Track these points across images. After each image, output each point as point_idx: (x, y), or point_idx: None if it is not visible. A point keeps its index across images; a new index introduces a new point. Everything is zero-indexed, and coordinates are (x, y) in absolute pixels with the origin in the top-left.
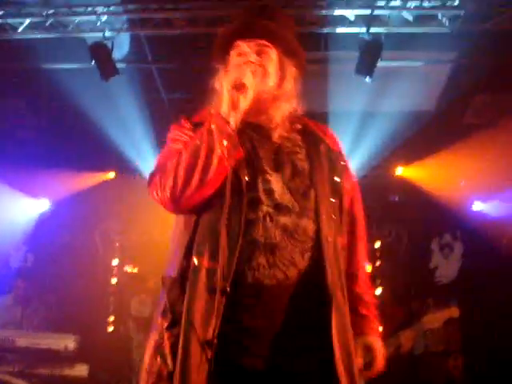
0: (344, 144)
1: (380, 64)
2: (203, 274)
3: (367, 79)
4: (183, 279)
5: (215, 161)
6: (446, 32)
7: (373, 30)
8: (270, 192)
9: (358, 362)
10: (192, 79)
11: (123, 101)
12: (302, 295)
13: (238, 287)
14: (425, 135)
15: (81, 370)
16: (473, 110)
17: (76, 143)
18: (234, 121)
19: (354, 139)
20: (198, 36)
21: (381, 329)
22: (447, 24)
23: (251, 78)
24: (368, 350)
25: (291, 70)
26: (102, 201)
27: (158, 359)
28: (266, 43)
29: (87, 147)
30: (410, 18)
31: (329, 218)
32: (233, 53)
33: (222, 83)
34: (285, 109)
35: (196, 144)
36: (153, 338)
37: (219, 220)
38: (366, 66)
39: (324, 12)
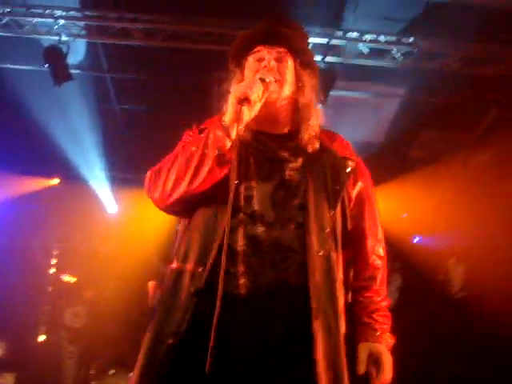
0: None
1: (333, 93)
2: (176, 275)
3: (319, 107)
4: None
5: (205, 168)
6: (398, 67)
7: (328, 58)
8: (249, 200)
9: (361, 369)
10: (146, 91)
11: (74, 107)
12: (276, 307)
13: (208, 294)
14: (371, 166)
15: (7, 378)
16: (419, 144)
17: (21, 146)
18: (234, 132)
19: None
20: (155, 49)
21: (389, 338)
22: (400, 59)
23: (258, 93)
24: (373, 358)
25: (309, 80)
26: (43, 207)
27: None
28: (286, 51)
29: (33, 151)
30: (365, 51)
31: (320, 230)
32: (251, 58)
33: (230, 93)
34: (303, 118)
35: (191, 150)
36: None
37: (200, 226)
38: (320, 94)
39: None
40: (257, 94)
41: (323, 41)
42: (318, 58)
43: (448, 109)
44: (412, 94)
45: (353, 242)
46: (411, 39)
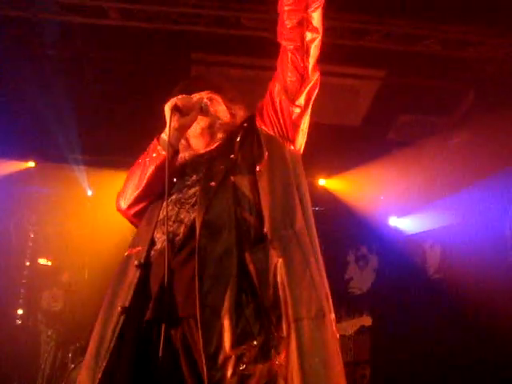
0: None
1: None
2: (125, 259)
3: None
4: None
5: (147, 171)
6: (377, 49)
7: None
8: (179, 190)
9: None
10: (122, 73)
11: (48, 88)
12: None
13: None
14: (349, 149)
15: None
16: (396, 127)
17: None
18: (172, 140)
19: None
20: (132, 30)
21: None
22: (379, 41)
23: (187, 102)
24: None
25: (240, 110)
26: (19, 190)
27: None
28: (212, 92)
29: (7, 133)
30: (346, 31)
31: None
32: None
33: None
34: (225, 132)
35: (138, 162)
36: None
37: (144, 219)
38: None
39: (260, 17)
40: (181, 102)
41: None
42: None
43: (426, 91)
44: (390, 77)
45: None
46: (390, 20)
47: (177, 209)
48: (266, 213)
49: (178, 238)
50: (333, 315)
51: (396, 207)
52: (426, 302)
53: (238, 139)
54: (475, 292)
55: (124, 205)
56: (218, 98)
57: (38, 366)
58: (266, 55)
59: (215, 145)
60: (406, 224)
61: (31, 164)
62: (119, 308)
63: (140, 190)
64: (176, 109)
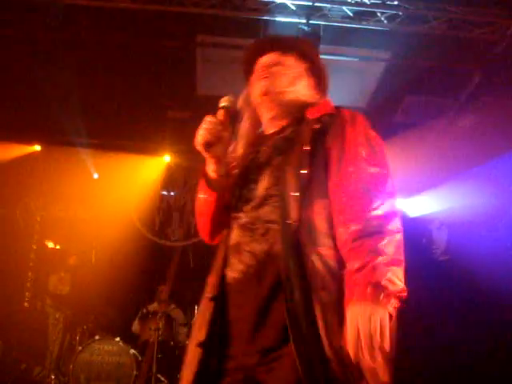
0: None
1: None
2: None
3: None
4: None
5: (206, 209)
6: (383, 31)
7: (312, 21)
8: (237, 198)
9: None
10: (128, 56)
11: (56, 72)
12: (261, 285)
13: (223, 291)
14: None
15: None
16: (403, 109)
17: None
18: (213, 168)
19: None
20: (136, 12)
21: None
22: (385, 22)
23: (210, 128)
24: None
25: (306, 70)
26: (25, 174)
27: None
28: (280, 53)
29: (14, 116)
30: (350, 13)
31: (288, 195)
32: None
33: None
34: (298, 105)
35: (198, 197)
36: None
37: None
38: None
39: None
40: (208, 133)
41: (307, 3)
42: (302, 20)
43: (432, 73)
44: (397, 58)
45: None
46: (396, 2)
47: (243, 236)
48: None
49: (250, 272)
50: None
51: (402, 189)
52: (432, 283)
53: (309, 148)
54: (483, 273)
55: (207, 240)
56: (285, 61)
57: (46, 349)
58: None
59: (276, 130)
60: (412, 206)
61: (37, 148)
62: (197, 343)
63: (210, 229)
64: (207, 146)
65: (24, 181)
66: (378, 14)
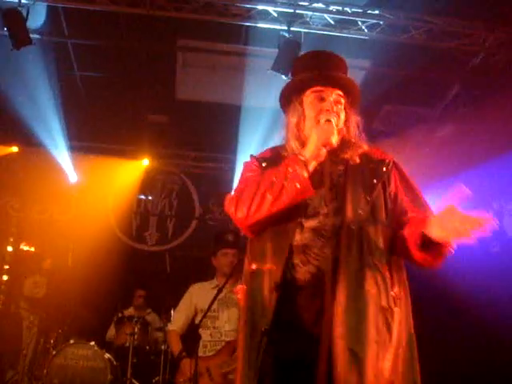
0: (254, 139)
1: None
2: (257, 275)
3: (283, 77)
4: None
5: (283, 198)
6: (364, 39)
7: (294, 28)
8: (307, 204)
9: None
10: (107, 59)
11: (34, 73)
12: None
13: (286, 285)
14: None
15: None
16: (381, 117)
17: None
18: (312, 166)
19: (266, 135)
20: (117, 15)
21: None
22: (366, 31)
23: (336, 137)
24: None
25: (355, 119)
26: (1, 175)
27: None
28: (340, 93)
29: None
30: (332, 21)
31: (355, 212)
32: (312, 95)
33: (310, 134)
34: (345, 147)
35: (272, 180)
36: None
37: (272, 234)
38: (284, 64)
39: (248, 5)
40: (335, 138)
41: (289, 10)
42: (283, 26)
43: (411, 83)
44: (376, 67)
45: (396, 217)
46: (377, 11)
47: (317, 239)
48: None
49: (321, 274)
50: None
51: None
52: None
53: (376, 181)
54: (457, 280)
55: (243, 219)
56: (343, 102)
57: (20, 352)
58: (253, 43)
59: (339, 158)
60: None
61: (14, 149)
62: (262, 330)
63: (269, 214)
64: (329, 144)
65: (1, 182)
66: (359, 23)
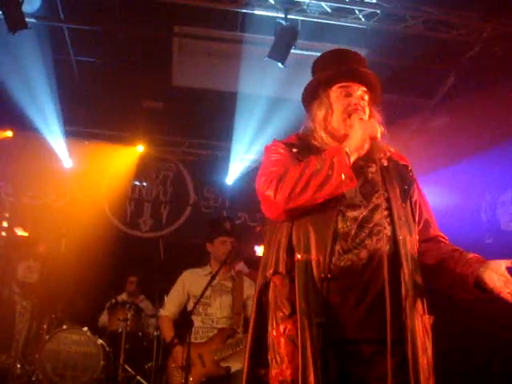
0: (250, 126)
1: (293, 51)
2: (304, 265)
3: (280, 64)
4: (290, 274)
5: (328, 187)
6: (360, 28)
7: (291, 16)
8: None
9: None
10: (103, 44)
11: (29, 57)
12: (373, 276)
13: (333, 277)
14: None
15: None
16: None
17: None
18: (354, 158)
19: (261, 123)
20: (114, 0)
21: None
22: (363, 20)
23: (379, 132)
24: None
25: (378, 116)
26: None
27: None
28: (365, 89)
29: None
30: (329, 10)
31: (399, 218)
32: (339, 90)
33: (355, 129)
34: (376, 146)
35: (316, 168)
36: (281, 328)
37: (313, 222)
38: (280, 52)
39: None
40: (379, 133)
41: None
42: (280, 14)
43: (407, 73)
44: (372, 56)
45: (419, 230)
46: (375, 0)
47: (358, 230)
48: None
49: (361, 263)
50: None
51: None
52: None
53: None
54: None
55: (283, 201)
56: (367, 99)
57: (13, 337)
58: (250, 30)
59: (371, 158)
60: None
61: (9, 133)
62: (316, 322)
63: (312, 200)
64: (374, 138)
65: None
66: (356, 12)
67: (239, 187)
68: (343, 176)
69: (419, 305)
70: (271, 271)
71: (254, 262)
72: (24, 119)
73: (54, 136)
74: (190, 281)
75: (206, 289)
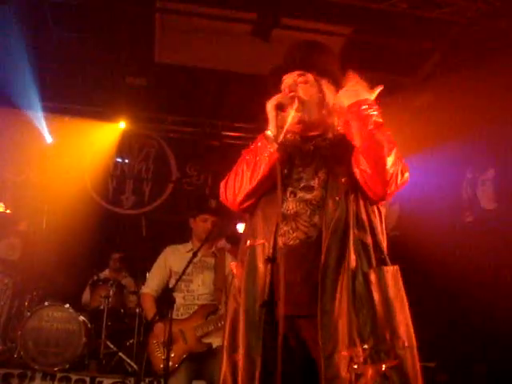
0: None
1: (276, 30)
2: (251, 250)
3: (264, 41)
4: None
5: (260, 169)
6: (345, 6)
7: None
8: (290, 177)
9: None
10: (84, 18)
11: (8, 32)
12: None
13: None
14: None
15: None
16: None
17: None
18: (280, 135)
19: (246, 101)
20: None
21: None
22: None
23: (290, 102)
24: None
25: (329, 87)
26: None
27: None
28: (301, 72)
29: None
30: None
31: (337, 195)
32: (283, 85)
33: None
34: (327, 121)
35: (247, 159)
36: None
37: (261, 211)
38: (264, 29)
39: None
40: (288, 101)
41: None
42: None
43: (391, 50)
44: (356, 34)
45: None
46: None
47: (307, 208)
48: (381, 237)
49: (310, 241)
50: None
51: None
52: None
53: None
54: (430, 250)
55: (232, 200)
56: (321, 83)
57: None
58: (236, 6)
59: (317, 134)
60: None
61: None
62: (261, 301)
63: (251, 187)
64: (278, 107)
65: None
66: None
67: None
68: (266, 155)
69: (361, 262)
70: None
71: (236, 239)
72: (3, 95)
73: (35, 112)
74: (172, 257)
75: (187, 266)
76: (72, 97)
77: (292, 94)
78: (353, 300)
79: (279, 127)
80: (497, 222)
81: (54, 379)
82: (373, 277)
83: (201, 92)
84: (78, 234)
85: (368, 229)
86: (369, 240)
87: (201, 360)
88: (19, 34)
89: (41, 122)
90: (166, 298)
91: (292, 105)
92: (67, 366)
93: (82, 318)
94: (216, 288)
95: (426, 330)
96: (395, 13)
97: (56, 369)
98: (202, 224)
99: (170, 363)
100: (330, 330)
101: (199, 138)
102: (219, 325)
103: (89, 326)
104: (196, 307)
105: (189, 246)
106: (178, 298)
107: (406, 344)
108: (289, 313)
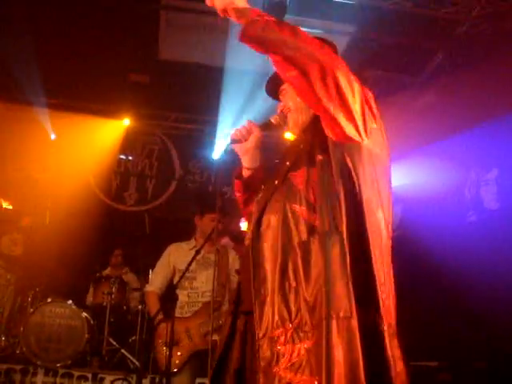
0: (237, 101)
1: None
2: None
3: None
4: None
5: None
6: (349, 4)
7: None
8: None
9: None
10: (89, 15)
11: (13, 27)
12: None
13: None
14: None
15: None
16: (363, 82)
17: None
18: (246, 161)
19: (247, 98)
20: None
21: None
22: None
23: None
24: None
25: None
26: None
27: None
28: (283, 87)
29: None
30: None
31: (289, 190)
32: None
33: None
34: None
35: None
36: None
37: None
38: None
39: None
40: (235, 133)
41: None
42: None
43: (395, 49)
44: (360, 33)
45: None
46: None
47: (256, 208)
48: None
49: (247, 236)
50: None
51: None
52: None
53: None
54: (433, 249)
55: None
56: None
57: None
58: None
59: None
60: None
61: None
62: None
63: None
64: (232, 142)
65: None
66: None
67: (225, 162)
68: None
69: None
70: None
71: (239, 237)
72: (8, 90)
73: (39, 108)
74: (175, 254)
75: (190, 263)
76: (76, 94)
77: (279, 109)
78: (282, 279)
79: (244, 156)
80: (500, 221)
81: (57, 375)
82: (305, 249)
83: (204, 89)
84: (81, 230)
85: (304, 201)
86: (299, 210)
87: (205, 357)
88: (23, 29)
89: (44, 118)
90: (169, 296)
91: (282, 119)
92: (69, 362)
93: (84, 314)
94: (219, 284)
95: (428, 329)
96: (400, 12)
97: (58, 365)
98: (210, 223)
99: (177, 361)
100: (261, 315)
101: (202, 135)
102: (220, 322)
103: (91, 322)
104: (200, 305)
105: (192, 243)
106: (182, 295)
107: (342, 314)
108: (244, 309)
